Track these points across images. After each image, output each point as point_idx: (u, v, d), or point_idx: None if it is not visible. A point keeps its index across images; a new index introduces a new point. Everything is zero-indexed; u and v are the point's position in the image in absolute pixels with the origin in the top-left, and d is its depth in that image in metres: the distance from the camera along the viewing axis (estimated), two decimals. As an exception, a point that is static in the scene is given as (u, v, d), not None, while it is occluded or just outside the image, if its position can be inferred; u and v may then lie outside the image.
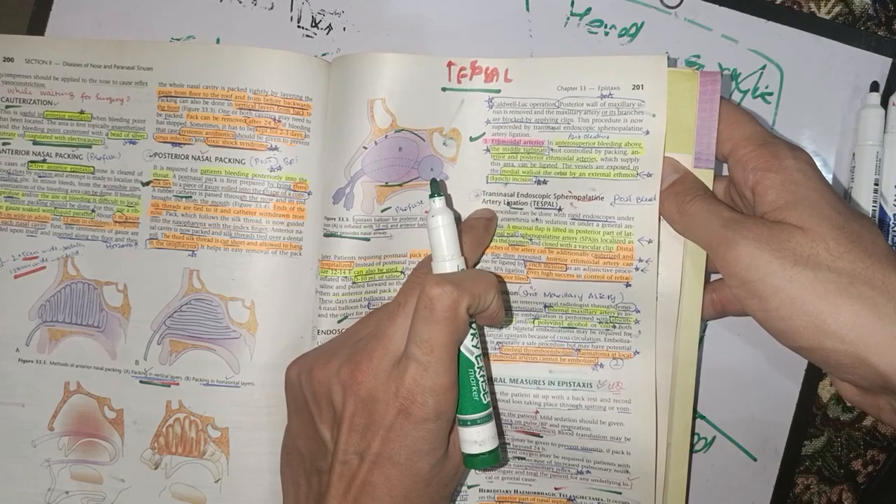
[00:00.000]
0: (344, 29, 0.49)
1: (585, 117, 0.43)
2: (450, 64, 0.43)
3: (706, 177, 0.42)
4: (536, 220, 0.44)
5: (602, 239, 0.43)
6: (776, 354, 0.47)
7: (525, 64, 0.44)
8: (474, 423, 0.39)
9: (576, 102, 0.43)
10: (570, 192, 0.43)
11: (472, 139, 0.44)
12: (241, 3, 0.49)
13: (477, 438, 0.39)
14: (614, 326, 0.44)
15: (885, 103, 0.46)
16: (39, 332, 0.46)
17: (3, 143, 0.46)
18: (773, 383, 0.48)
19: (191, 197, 0.45)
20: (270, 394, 0.45)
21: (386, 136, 0.43)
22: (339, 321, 0.44)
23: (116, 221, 0.46)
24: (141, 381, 0.46)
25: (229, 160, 0.44)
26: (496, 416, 0.44)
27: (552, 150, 0.43)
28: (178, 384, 0.46)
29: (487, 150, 0.44)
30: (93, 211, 0.46)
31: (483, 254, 0.44)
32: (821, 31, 0.47)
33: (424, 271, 0.41)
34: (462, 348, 0.39)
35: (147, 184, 0.46)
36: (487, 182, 0.44)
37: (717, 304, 0.43)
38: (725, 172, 0.43)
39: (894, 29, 0.48)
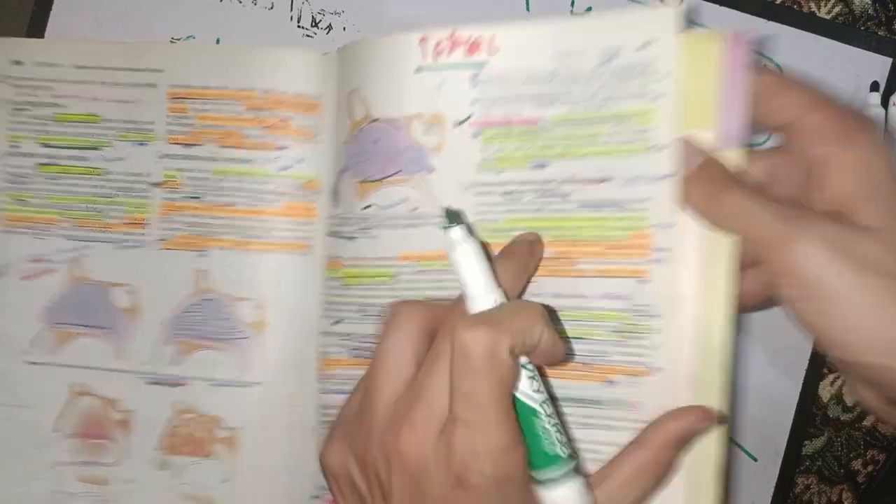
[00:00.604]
0: (344, 29, 0.49)
1: (586, 86, 0.37)
2: (422, 40, 0.38)
3: (732, 158, 0.35)
4: (538, 210, 0.38)
5: (612, 226, 0.37)
6: (776, 354, 0.47)
7: (514, 29, 0.38)
8: (552, 481, 0.32)
9: (574, 70, 0.37)
10: (574, 175, 0.37)
11: (457, 123, 0.39)
12: (241, 3, 0.49)
13: (560, 501, 0.32)
14: (628, 337, 0.37)
15: (885, 103, 0.46)
16: (47, 334, 0.46)
17: (13, 146, 0.46)
18: (773, 383, 0.48)
19: (200, 198, 0.45)
20: (279, 394, 0.45)
21: (360, 128, 0.41)
22: (333, 324, 0.43)
23: (125, 223, 0.46)
24: (149, 382, 0.46)
25: (239, 160, 0.45)
26: None
27: (550, 127, 0.38)
28: (186, 384, 0.46)
29: (476, 134, 0.38)
30: (101, 213, 0.46)
31: (528, 282, 0.37)
32: (821, 31, 0.47)
33: (459, 311, 0.33)
34: (518, 395, 0.32)
35: (157, 185, 0.46)
36: (479, 171, 0.39)
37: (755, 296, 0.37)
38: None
39: (894, 29, 0.48)
